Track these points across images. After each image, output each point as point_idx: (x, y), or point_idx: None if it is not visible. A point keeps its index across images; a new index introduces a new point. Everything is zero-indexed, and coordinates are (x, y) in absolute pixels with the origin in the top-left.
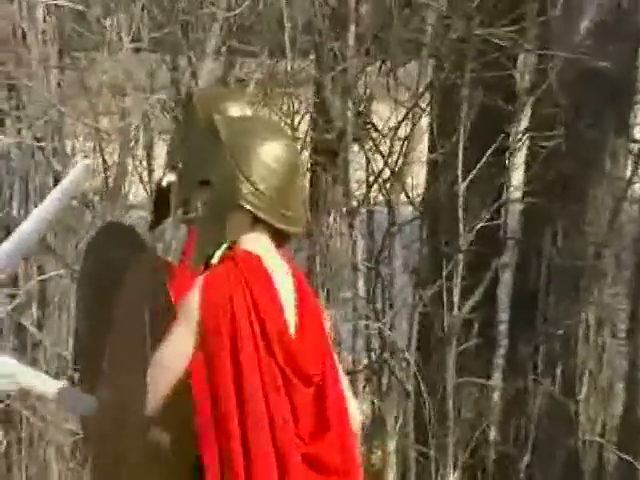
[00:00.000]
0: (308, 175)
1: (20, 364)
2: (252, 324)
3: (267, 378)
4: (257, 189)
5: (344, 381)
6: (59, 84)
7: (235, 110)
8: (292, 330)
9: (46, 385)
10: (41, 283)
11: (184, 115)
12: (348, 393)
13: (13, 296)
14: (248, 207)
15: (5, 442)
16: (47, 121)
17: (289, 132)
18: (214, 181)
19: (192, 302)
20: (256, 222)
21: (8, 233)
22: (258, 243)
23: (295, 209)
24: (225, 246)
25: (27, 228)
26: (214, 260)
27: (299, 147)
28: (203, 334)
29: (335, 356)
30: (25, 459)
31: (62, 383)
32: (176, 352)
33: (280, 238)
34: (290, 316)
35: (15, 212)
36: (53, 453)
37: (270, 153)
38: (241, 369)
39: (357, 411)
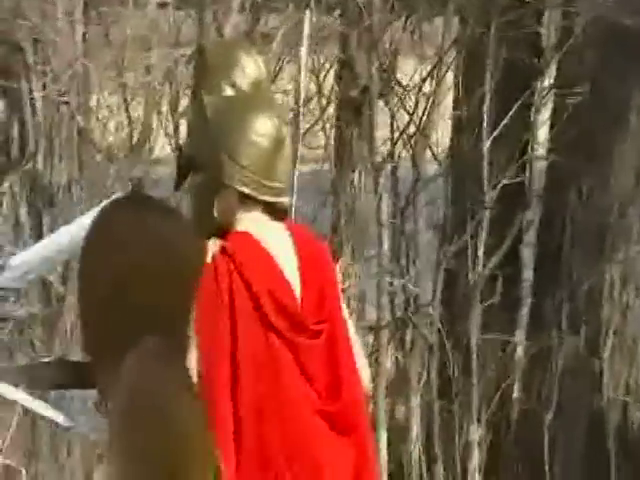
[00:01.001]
0: (333, 131)
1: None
2: (240, 304)
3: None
4: (241, 166)
5: (355, 339)
6: (84, 38)
7: (248, 62)
8: (297, 292)
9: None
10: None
11: (195, 71)
12: (358, 350)
13: None
14: (234, 185)
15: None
16: (72, 75)
17: (276, 104)
18: (203, 163)
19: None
20: (245, 199)
21: (34, 187)
22: (249, 220)
23: (283, 180)
24: (214, 241)
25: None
26: (209, 259)
27: (324, 102)
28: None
29: (345, 314)
30: None
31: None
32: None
33: (276, 210)
34: (294, 281)
35: (40, 166)
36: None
37: (252, 128)
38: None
39: (366, 368)
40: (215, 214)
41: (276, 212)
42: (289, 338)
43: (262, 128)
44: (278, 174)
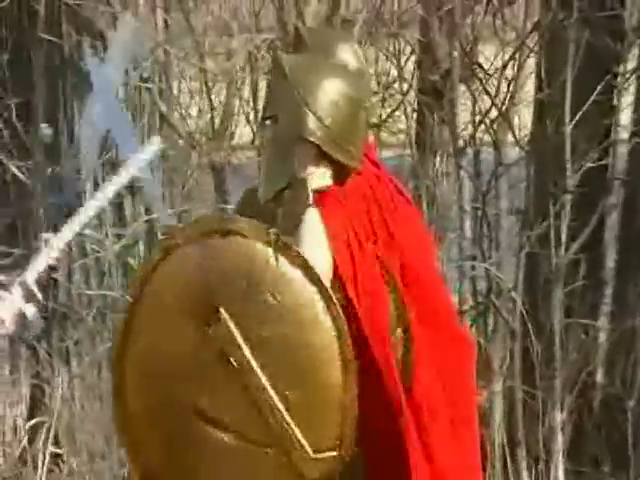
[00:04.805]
0: (414, 116)
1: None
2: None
3: None
4: (323, 124)
5: None
6: (166, 24)
7: (345, 50)
8: None
9: None
10: (148, 223)
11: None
12: None
13: (120, 236)
14: (314, 140)
15: None
16: (154, 61)
17: (355, 68)
18: (280, 116)
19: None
20: (321, 157)
21: (115, 173)
22: (324, 180)
23: (357, 145)
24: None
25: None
26: (310, 200)
27: (405, 86)
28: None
29: None
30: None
31: None
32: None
33: (340, 175)
34: None
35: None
36: None
37: (335, 89)
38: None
39: None
40: (295, 165)
41: (339, 178)
42: None
43: (343, 89)
44: (355, 138)
